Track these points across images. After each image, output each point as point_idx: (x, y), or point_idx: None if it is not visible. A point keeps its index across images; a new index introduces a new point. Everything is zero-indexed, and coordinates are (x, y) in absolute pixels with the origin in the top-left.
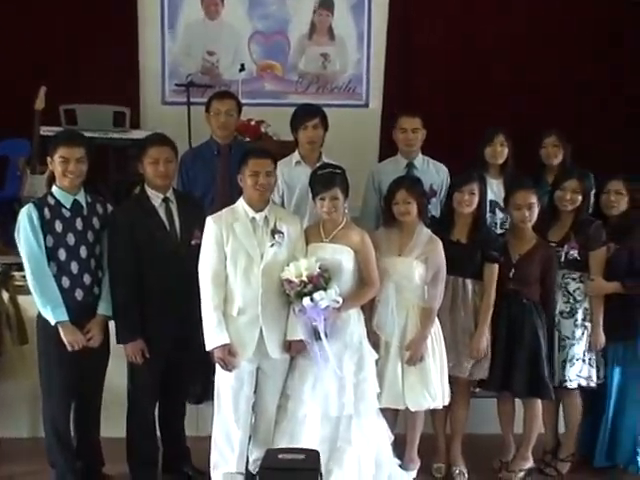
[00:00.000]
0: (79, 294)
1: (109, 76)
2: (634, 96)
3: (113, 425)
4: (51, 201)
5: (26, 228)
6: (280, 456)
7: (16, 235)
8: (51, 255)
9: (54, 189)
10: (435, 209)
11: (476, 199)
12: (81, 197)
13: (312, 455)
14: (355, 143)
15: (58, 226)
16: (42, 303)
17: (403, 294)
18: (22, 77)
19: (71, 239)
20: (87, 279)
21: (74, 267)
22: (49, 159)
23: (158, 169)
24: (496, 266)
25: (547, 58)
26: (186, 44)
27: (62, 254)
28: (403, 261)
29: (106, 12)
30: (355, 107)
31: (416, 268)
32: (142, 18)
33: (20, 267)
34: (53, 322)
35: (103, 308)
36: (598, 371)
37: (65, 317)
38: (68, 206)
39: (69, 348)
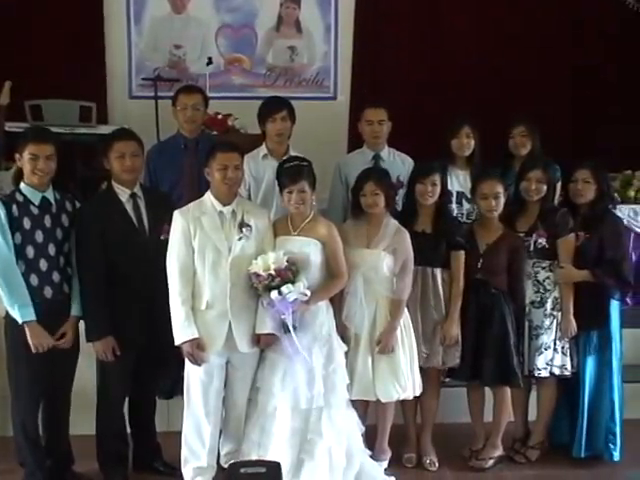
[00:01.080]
0: (48, 292)
1: (75, 71)
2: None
3: (82, 422)
4: (19, 198)
5: None
6: (242, 470)
7: None
8: (19, 253)
9: (22, 186)
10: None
11: (438, 189)
12: (50, 194)
13: (273, 467)
14: (323, 136)
15: (26, 223)
16: (9, 302)
17: (371, 286)
18: None
19: (39, 236)
20: (56, 277)
21: (43, 265)
22: (17, 156)
23: (124, 164)
24: (462, 253)
25: (515, 47)
26: (153, 38)
27: (30, 252)
28: (371, 253)
29: (72, 7)
30: (323, 100)
31: (384, 260)
32: (108, 12)
33: None
34: (20, 321)
35: (76, 309)
36: (572, 360)
37: (33, 317)
38: (37, 203)
39: (33, 350)
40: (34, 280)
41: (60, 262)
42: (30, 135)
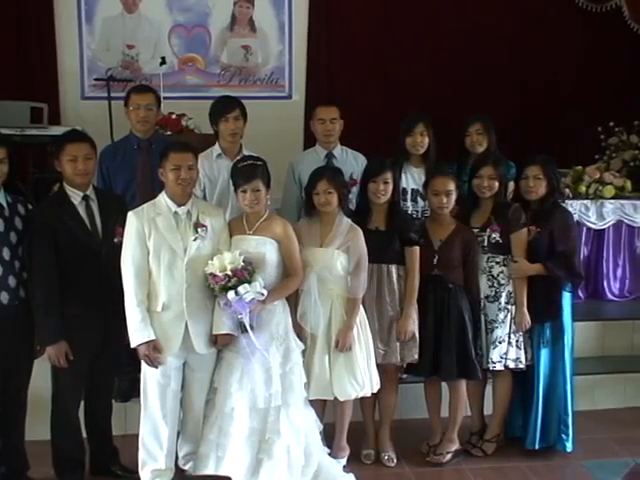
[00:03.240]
0: (4, 297)
1: (26, 71)
2: (553, 81)
3: (37, 427)
4: None
5: None
6: None
7: None
8: None
9: None
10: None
11: (390, 187)
12: (1, 198)
13: None
14: (279, 135)
15: None
16: None
17: (326, 285)
18: None
19: None
20: (12, 282)
21: None
22: None
23: (77, 167)
24: (417, 249)
25: (467, 44)
26: (104, 38)
27: None
28: (324, 251)
29: (22, 7)
30: (278, 99)
31: (337, 258)
32: (58, 12)
33: None
34: None
35: None
36: (526, 353)
37: None
38: None
39: None
40: None
41: (15, 266)
42: None
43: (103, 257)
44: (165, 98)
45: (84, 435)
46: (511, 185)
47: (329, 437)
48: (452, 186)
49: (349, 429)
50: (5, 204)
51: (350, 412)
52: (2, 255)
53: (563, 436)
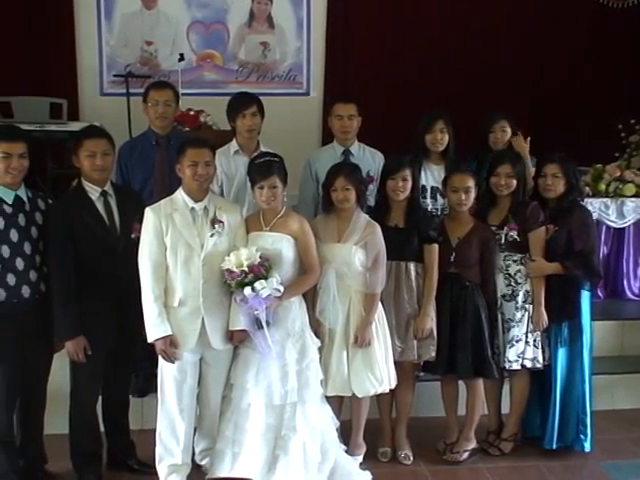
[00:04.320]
0: (26, 291)
1: (46, 68)
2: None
3: (56, 422)
4: None
5: None
6: None
7: None
8: None
9: None
10: (373, 195)
11: (409, 184)
12: (22, 192)
13: None
14: (296, 131)
15: (0, 223)
16: None
17: (344, 281)
18: None
19: (14, 235)
20: (33, 276)
21: (19, 264)
22: None
23: (95, 162)
24: (435, 246)
25: (488, 42)
26: (123, 34)
27: (6, 251)
28: (342, 247)
29: (42, 3)
30: (296, 95)
31: (355, 254)
32: (78, 9)
33: None
34: None
35: None
36: (544, 352)
37: None
38: (10, 202)
39: None
40: (11, 280)
41: (36, 261)
42: (1, 134)
43: (120, 253)
44: (183, 94)
45: (102, 429)
46: (531, 182)
47: (346, 434)
48: (471, 183)
49: (366, 426)
50: (26, 199)
51: (367, 409)
52: (23, 249)
53: (581, 436)
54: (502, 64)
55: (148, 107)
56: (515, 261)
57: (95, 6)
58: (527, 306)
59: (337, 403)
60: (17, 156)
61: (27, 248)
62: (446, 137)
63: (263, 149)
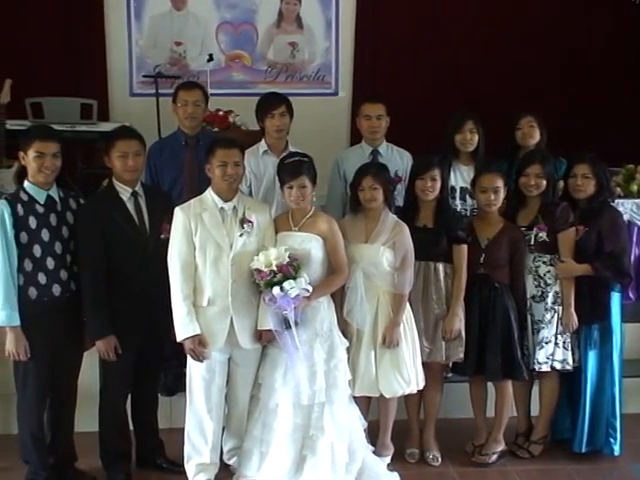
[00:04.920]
0: (57, 290)
1: (76, 68)
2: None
3: (85, 419)
4: (24, 197)
5: None
6: None
7: None
8: (26, 252)
9: (26, 184)
10: (401, 195)
11: (438, 184)
12: (54, 192)
13: None
14: (325, 132)
15: (32, 222)
16: (3, 303)
17: (372, 281)
18: None
19: (46, 235)
20: (63, 275)
21: (50, 263)
22: (21, 154)
23: (127, 163)
24: (464, 247)
25: (519, 39)
26: (153, 35)
27: (37, 250)
28: (370, 247)
29: (73, 5)
30: (324, 96)
31: (383, 254)
32: (108, 10)
33: None
34: (6, 324)
35: None
36: (573, 354)
37: (18, 322)
38: (42, 202)
39: (6, 355)
40: (42, 279)
41: (67, 260)
42: (35, 133)
43: (150, 253)
44: (212, 95)
45: (131, 428)
46: (562, 182)
47: (373, 435)
48: (500, 183)
49: (393, 427)
50: (57, 198)
51: (395, 410)
52: (54, 249)
53: (611, 439)
54: (532, 63)
55: (177, 107)
56: (545, 262)
57: (125, 7)
58: (557, 307)
59: (365, 403)
60: (50, 156)
61: (58, 247)
62: (476, 137)
63: (292, 149)
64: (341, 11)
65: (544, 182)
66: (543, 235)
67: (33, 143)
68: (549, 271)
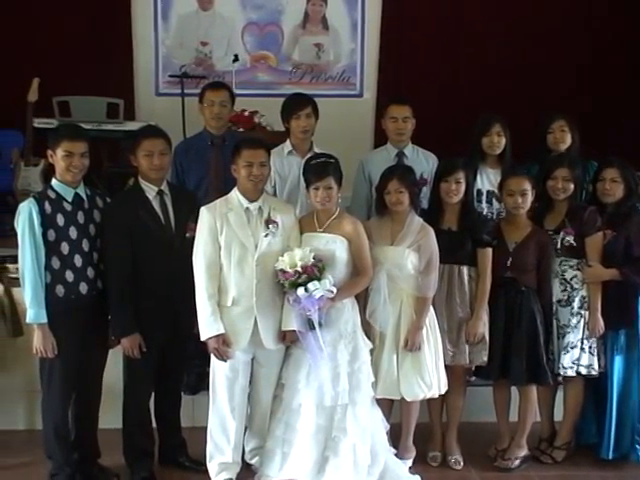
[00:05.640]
0: (83, 288)
1: (103, 68)
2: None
3: (109, 416)
4: (52, 195)
5: (24, 223)
6: None
7: (17, 228)
8: (53, 249)
9: (54, 182)
10: (426, 198)
11: (463, 187)
12: (81, 190)
13: None
14: (349, 133)
15: (60, 220)
16: (31, 301)
17: (396, 283)
18: (15, 69)
19: (73, 233)
20: (90, 273)
21: (77, 261)
22: (49, 152)
23: (153, 162)
24: (489, 250)
25: (543, 41)
26: (179, 35)
27: (65, 248)
28: (395, 250)
29: (100, 4)
30: (349, 97)
31: (408, 257)
32: (135, 10)
33: (15, 259)
34: (34, 322)
35: None
36: (599, 359)
37: (45, 319)
38: (69, 199)
39: (34, 351)
40: (70, 276)
41: (94, 258)
42: (64, 132)
43: (175, 251)
44: (237, 95)
45: (154, 426)
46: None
47: (395, 437)
48: (527, 186)
49: (415, 430)
50: (85, 197)
51: (417, 413)
52: (81, 247)
53: (637, 446)
54: (561, 64)
55: (204, 107)
56: (571, 266)
57: (152, 7)
58: (583, 312)
59: (387, 406)
60: (78, 155)
61: (85, 245)
62: (503, 140)
63: (317, 150)
64: (367, 13)
65: (572, 185)
66: (570, 239)
67: (62, 142)
68: (576, 275)
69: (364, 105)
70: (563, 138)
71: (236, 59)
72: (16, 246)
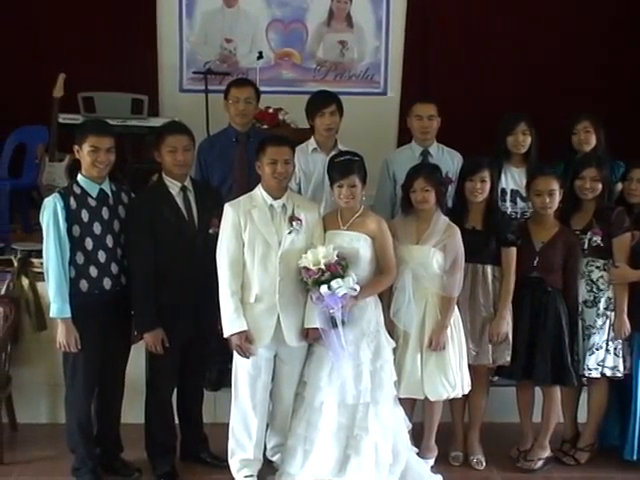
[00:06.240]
0: (107, 283)
1: (128, 64)
2: None
3: (131, 411)
4: (77, 190)
5: (49, 218)
6: None
7: (41, 223)
8: (78, 244)
9: (79, 178)
10: (451, 197)
11: (488, 186)
12: (106, 186)
13: None
14: (373, 131)
15: (84, 215)
16: (53, 296)
17: (421, 283)
18: (41, 65)
19: (97, 228)
20: (114, 268)
21: (101, 256)
22: (76, 147)
23: (176, 158)
24: (514, 249)
25: (570, 42)
26: (204, 32)
27: (89, 243)
28: (420, 249)
29: (125, 1)
30: (373, 95)
31: (433, 256)
32: (160, 6)
33: (39, 254)
34: (57, 316)
35: None
36: (624, 361)
37: (69, 314)
38: (94, 195)
39: (57, 346)
40: (93, 272)
41: (118, 253)
42: (91, 128)
43: (198, 247)
44: (261, 92)
45: (176, 422)
46: (619, 185)
47: (417, 437)
48: (555, 186)
49: (438, 430)
50: (110, 192)
51: (440, 412)
52: (106, 242)
53: None
54: (586, 64)
55: (229, 104)
56: (598, 267)
57: (177, 4)
58: (609, 313)
59: (410, 405)
60: (104, 150)
61: (109, 241)
62: (528, 139)
63: (341, 147)
64: (392, 11)
65: (600, 185)
66: (597, 239)
67: (88, 137)
68: (602, 276)
69: (388, 103)
70: (587, 139)
71: (260, 56)
72: (41, 241)
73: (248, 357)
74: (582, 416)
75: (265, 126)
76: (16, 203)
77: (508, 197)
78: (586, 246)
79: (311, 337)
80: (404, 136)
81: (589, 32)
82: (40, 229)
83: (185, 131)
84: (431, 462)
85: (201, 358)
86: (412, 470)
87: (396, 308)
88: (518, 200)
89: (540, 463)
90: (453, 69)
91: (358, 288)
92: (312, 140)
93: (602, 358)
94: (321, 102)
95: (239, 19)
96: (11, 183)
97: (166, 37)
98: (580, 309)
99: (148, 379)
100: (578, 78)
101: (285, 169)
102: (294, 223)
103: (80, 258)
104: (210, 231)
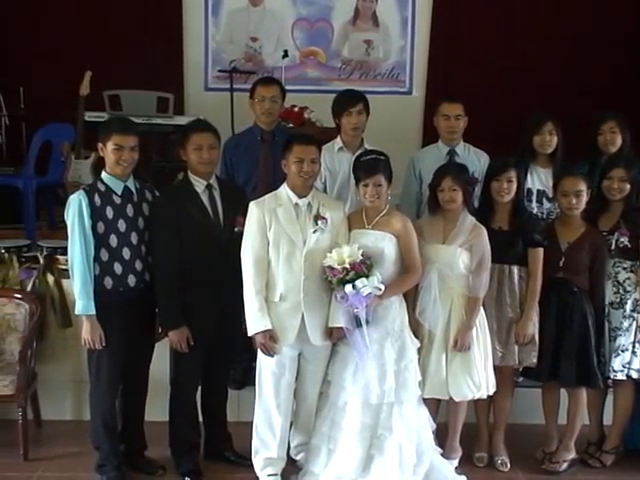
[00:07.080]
0: (132, 280)
1: (154, 62)
2: None
3: (155, 409)
4: (101, 187)
5: (74, 215)
6: None
7: (66, 220)
8: (103, 242)
9: (104, 175)
10: (477, 197)
11: (514, 186)
12: (131, 183)
13: None
14: (398, 130)
15: (109, 212)
16: (78, 293)
17: (446, 282)
18: (67, 63)
19: (122, 225)
20: (139, 265)
21: (126, 253)
22: (100, 145)
23: (202, 156)
24: (540, 250)
25: (594, 42)
26: (229, 31)
27: (113, 240)
28: (447, 249)
29: (152, 0)
30: (398, 94)
31: (460, 256)
32: (186, 5)
33: (65, 251)
34: (82, 313)
35: None
36: None
37: (93, 311)
38: (119, 192)
39: (82, 343)
40: (118, 269)
41: (142, 251)
42: (115, 126)
43: (223, 245)
44: (286, 91)
45: (200, 420)
46: None
47: (442, 437)
48: (582, 186)
49: (462, 430)
50: (134, 190)
51: (464, 413)
52: (130, 239)
53: None
54: (614, 63)
55: (254, 103)
56: (625, 268)
57: (203, 3)
58: (635, 315)
59: (434, 405)
60: (128, 149)
61: (134, 238)
62: (555, 139)
63: (367, 147)
64: (417, 10)
65: (628, 186)
66: (625, 240)
67: (112, 135)
68: (629, 278)
69: (413, 103)
70: (613, 140)
71: (286, 55)
72: (66, 238)
73: (272, 356)
74: (608, 418)
75: (290, 125)
76: (42, 200)
77: (534, 197)
78: (613, 247)
79: (335, 336)
80: (429, 135)
81: (617, 31)
82: (65, 226)
83: (210, 129)
84: (455, 463)
85: (226, 357)
86: (436, 471)
87: (422, 308)
88: (544, 200)
89: (565, 465)
90: (478, 68)
91: (383, 287)
92: (338, 139)
93: (628, 360)
94: (348, 101)
95: (264, 18)
96: (37, 181)
97: (192, 36)
98: (606, 310)
99: (172, 377)
100: (611, 76)
101: (311, 168)
102: (319, 222)
103: (104, 255)
104: (235, 229)
